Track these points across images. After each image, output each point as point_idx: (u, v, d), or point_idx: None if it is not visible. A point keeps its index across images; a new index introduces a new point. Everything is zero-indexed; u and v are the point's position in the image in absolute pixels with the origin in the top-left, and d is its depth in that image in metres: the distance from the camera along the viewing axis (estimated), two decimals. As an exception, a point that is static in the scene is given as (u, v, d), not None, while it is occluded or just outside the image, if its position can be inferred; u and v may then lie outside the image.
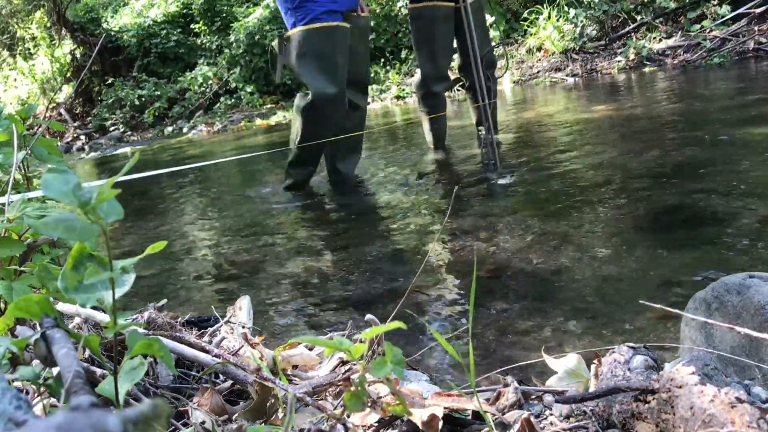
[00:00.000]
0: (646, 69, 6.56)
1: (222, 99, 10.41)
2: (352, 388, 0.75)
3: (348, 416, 0.83)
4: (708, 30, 6.64)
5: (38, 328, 0.65)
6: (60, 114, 11.44)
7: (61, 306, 1.11)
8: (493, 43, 4.10)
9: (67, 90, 12.00)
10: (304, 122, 3.33)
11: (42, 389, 0.72)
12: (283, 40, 3.29)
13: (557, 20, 7.82)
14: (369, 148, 4.71)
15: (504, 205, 2.63)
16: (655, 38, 7.12)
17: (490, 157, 3.30)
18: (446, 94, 4.15)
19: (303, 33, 3.21)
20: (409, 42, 9.63)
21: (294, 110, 3.41)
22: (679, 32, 6.98)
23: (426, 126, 4.09)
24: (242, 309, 1.39)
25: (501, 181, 3.01)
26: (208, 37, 11.29)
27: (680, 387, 0.69)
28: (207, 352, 1.02)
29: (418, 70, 4.00)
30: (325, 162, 3.70)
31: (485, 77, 3.92)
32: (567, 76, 7.08)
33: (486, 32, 4.01)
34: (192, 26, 11.54)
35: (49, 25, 12.35)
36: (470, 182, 3.11)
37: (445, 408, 0.80)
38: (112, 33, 11.43)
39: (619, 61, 6.90)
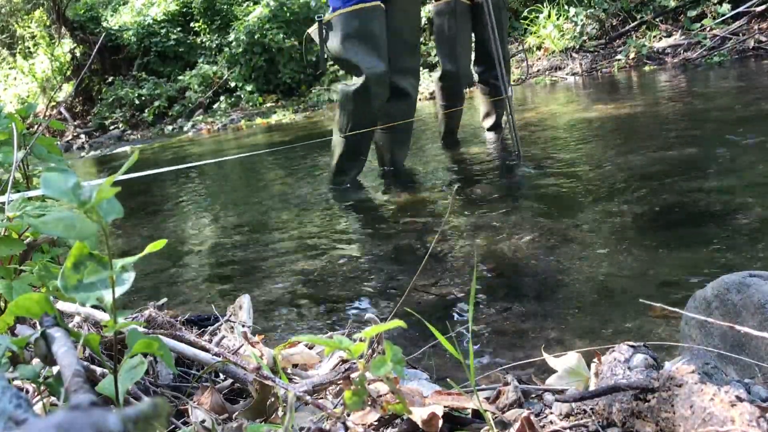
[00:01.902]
0: (646, 68, 6.55)
1: (222, 98, 10.41)
2: (352, 387, 0.75)
3: (348, 415, 0.83)
4: (708, 28, 6.63)
5: (38, 327, 0.65)
6: (60, 113, 11.44)
7: (60, 305, 1.11)
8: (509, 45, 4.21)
9: (67, 89, 12.00)
10: (356, 107, 3.28)
11: (42, 388, 0.72)
12: (323, 25, 3.25)
13: (557, 19, 7.82)
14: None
15: (504, 204, 2.62)
16: (655, 37, 7.11)
17: (514, 147, 3.35)
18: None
19: (349, 14, 3.20)
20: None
21: (340, 100, 3.34)
22: (679, 31, 6.97)
23: (441, 118, 4.21)
24: (242, 308, 1.39)
25: (523, 171, 3.08)
26: (208, 35, 11.28)
27: (680, 386, 0.69)
28: (207, 350, 1.02)
29: (440, 65, 4.11)
30: (378, 155, 3.67)
31: (495, 77, 4.00)
32: (567, 74, 7.07)
33: (504, 31, 4.08)
34: (192, 25, 11.54)
35: (48, 23, 12.35)
36: (471, 180, 3.11)
37: (445, 407, 0.81)
38: (112, 32, 11.42)
39: (619, 60, 6.90)
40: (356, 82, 3.24)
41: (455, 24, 3.86)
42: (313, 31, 3.34)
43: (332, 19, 3.22)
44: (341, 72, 9.52)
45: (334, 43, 3.25)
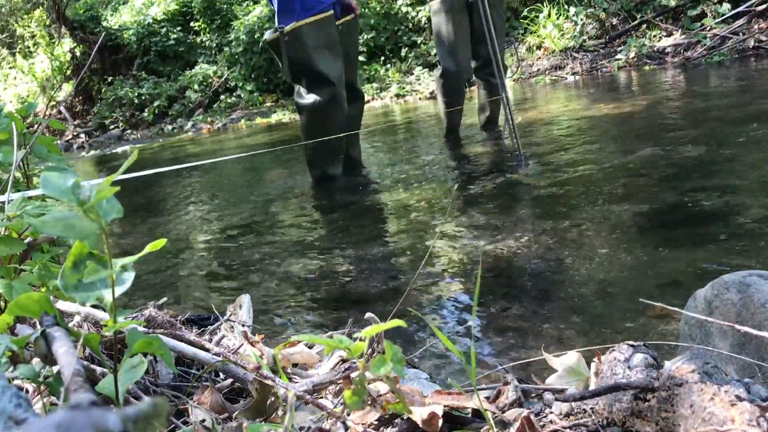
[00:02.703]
0: (647, 67, 6.55)
1: (222, 97, 10.41)
2: (352, 387, 0.75)
3: (348, 414, 0.83)
4: (708, 28, 6.63)
5: (38, 327, 0.65)
6: (60, 112, 11.44)
7: (60, 304, 1.11)
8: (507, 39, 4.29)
9: (67, 88, 11.99)
10: (330, 114, 3.36)
11: (42, 387, 0.72)
12: (284, 35, 3.26)
13: (557, 18, 7.81)
14: (370, 146, 4.71)
15: (504, 204, 2.62)
16: (655, 36, 7.11)
17: (513, 146, 3.37)
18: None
19: (314, 24, 3.25)
20: (408, 40, 9.62)
21: (310, 113, 3.39)
22: (680, 30, 6.97)
23: (442, 115, 4.27)
24: (242, 307, 1.39)
25: (523, 171, 3.10)
26: (208, 35, 11.28)
27: (680, 385, 0.69)
28: (207, 350, 1.02)
29: (439, 62, 4.17)
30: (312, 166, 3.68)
31: (490, 74, 4.06)
32: (567, 74, 7.07)
33: (502, 28, 4.11)
34: (192, 24, 11.53)
35: (48, 23, 12.34)
36: (471, 180, 3.11)
37: (445, 406, 0.80)
38: (112, 31, 11.42)
39: (619, 60, 6.89)
40: (323, 92, 3.31)
41: (452, 21, 3.89)
42: (271, 40, 3.34)
43: (297, 28, 3.24)
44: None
45: (300, 53, 3.27)
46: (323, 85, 3.31)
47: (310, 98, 3.36)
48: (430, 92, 7.99)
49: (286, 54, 3.30)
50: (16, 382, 0.86)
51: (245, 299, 1.42)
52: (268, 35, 3.36)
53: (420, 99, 7.97)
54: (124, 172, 0.59)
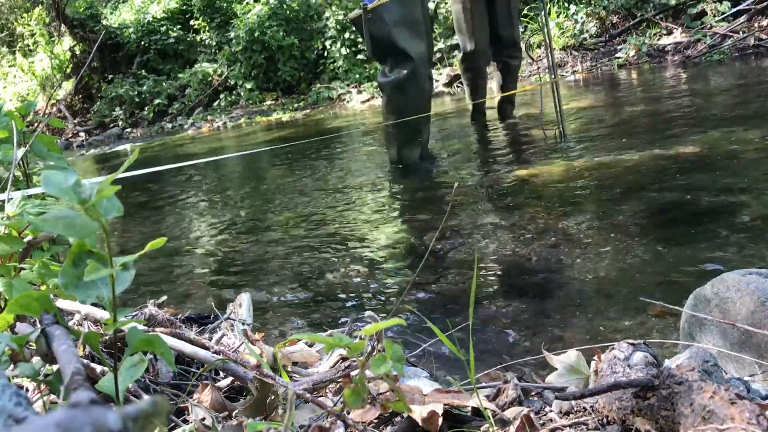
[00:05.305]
0: (647, 65, 6.54)
1: (222, 96, 10.40)
2: (352, 385, 0.75)
3: (348, 413, 0.83)
4: (708, 26, 6.62)
5: (38, 325, 0.65)
6: (60, 111, 11.44)
7: (60, 303, 1.11)
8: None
9: (67, 86, 11.99)
10: (410, 92, 3.40)
11: (42, 386, 0.72)
12: (367, 12, 3.36)
13: (557, 17, 7.81)
14: (371, 144, 4.71)
15: (504, 202, 2.62)
16: (655, 34, 7.10)
17: (558, 129, 3.58)
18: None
19: (395, 1, 3.32)
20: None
21: (391, 90, 3.43)
22: (680, 29, 6.97)
23: (467, 97, 4.49)
24: (242, 306, 1.39)
25: (566, 145, 3.38)
26: (208, 33, 11.27)
27: (680, 383, 0.69)
28: (207, 348, 1.02)
29: (460, 46, 4.35)
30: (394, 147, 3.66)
31: (508, 56, 4.24)
32: (567, 72, 7.07)
33: (515, 14, 4.36)
34: (191, 23, 11.52)
35: (48, 21, 12.33)
36: (472, 178, 3.11)
37: (444, 404, 0.81)
38: (112, 29, 11.42)
39: (619, 58, 6.89)
40: (403, 68, 3.37)
41: (471, 5, 4.06)
42: (355, 18, 3.44)
43: (378, 6, 3.33)
44: (341, 69, 9.50)
45: (381, 29, 3.35)
46: (403, 61, 3.37)
47: (391, 75, 3.43)
48: (444, 84, 7.99)
49: (368, 31, 3.38)
50: (16, 380, 0.86)
51: (245, 298, 1.42)
52: (352, 13, 3.48)
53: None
54: (125, 171, 0.59)
